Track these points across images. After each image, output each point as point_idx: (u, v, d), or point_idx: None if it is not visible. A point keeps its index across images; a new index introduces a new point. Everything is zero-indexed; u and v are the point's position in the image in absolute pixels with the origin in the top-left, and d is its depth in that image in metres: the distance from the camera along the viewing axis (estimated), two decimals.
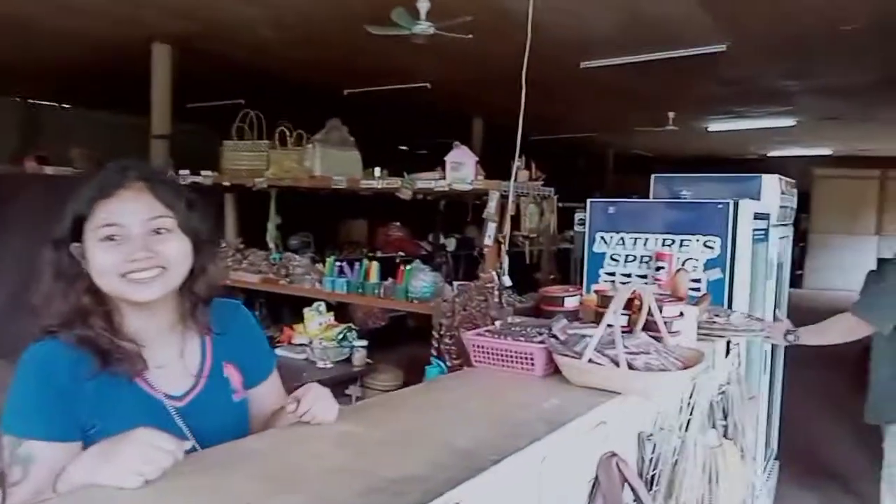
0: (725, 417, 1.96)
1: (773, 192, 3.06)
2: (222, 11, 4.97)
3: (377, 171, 3.77)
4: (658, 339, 1.56)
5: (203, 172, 4.46)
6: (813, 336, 2.58)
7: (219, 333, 1.23)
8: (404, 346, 4.23)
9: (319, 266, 4.04)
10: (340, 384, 3.50)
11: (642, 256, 2.61)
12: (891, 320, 2.49)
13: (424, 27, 4.23)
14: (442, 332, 3.03)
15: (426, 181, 3.37)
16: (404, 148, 12.75)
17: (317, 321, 3.72)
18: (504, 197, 3.01)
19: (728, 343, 2.09)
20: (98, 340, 1.09)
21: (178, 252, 1.13)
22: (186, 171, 4.51)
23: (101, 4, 4.90)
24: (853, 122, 9.51)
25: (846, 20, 4.77)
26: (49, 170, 5.34)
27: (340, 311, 3.96)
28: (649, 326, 1.59)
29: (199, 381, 1.19)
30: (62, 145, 7.40)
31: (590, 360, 1.42)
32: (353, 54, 6.02)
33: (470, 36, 4.45)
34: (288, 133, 4.16)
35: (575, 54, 5.86)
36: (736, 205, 2.48)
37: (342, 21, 5.00)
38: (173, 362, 1.17)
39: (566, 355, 1.46)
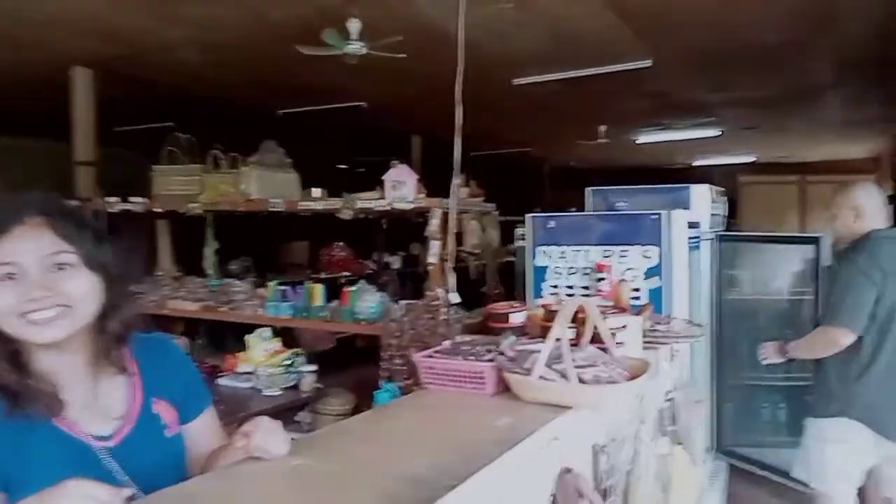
0: (674, 423, 2.00)
1: (703, 200, 3.18)
2: (144, 33, 4.83)
3: (316, 191, 3.71)
4: (605, 350, 1.57)
5: (132, 199, 4.29)
6: (802, 351, 2.63)
7: (144, 370, 1.19)
8: (354, 367, 4.15)
9: (261, 291, 3.93)
10: (289, 411, 3.40)
11: (584, 268, 2.66)
12: (861, 318, 2.42)
13: (357, 47, 4.22)
14: (391, 353, 2.99)
15: (366, 201, 3.33)
16: (344, 166, 12.66)
17: (261, 348, 3.61)
18: (446, 214, 3.01)
19: (671, 349, 2.13)
20: (5, 381, 1.03)
21: (82, 289, 1.07)
22: (116, 199, 4.33)
23: (12, 29, 4.68)
24: (770, 132, 10.03)
25: (758, 36, 5.03)
26: None
27: (286, 335, 3.86)
28: (595, 339, 1.61)
29: (128, 419, 1.14)
30: None
31: (540, 377, 1.42)
32: (285, 74, 5.95)
33: (403, 55, 4.46)
34: (222, 156, 4.06)
35: (507, 71, 5.96)
36: (669, 215, 2.56)
37: (272, 41, 4.94)
38: (95, 402, 1.12)
39: (516, 372, 1.45)
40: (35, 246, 1.04)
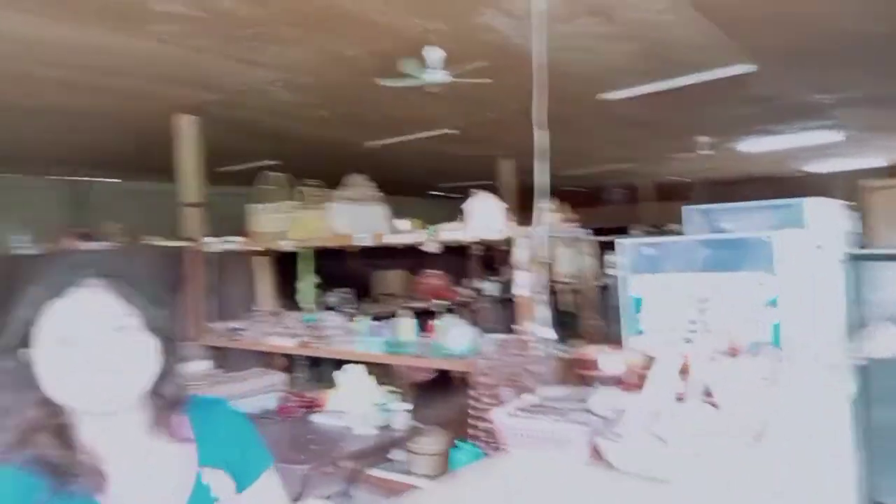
0: None
1: (825, 214, 2.79)
2: (236, 77, 5.00)
3: (401, 223, 3.65)
4: (715, 406, 1.33)
5: (230, 238, 4.41)
6: None
7: (199, 437, 1.11)
8: (453, 397, 3.98)
9: (352, 324, 3.90)
10: (382, 449, 3.29)
11: (686, 299, 2.38)
12: None
13: (438, 76, 4.14)
14: (480, 392, 2.82)
15: (451, 232, 3.21)
16: (435, 193, 12.74)
17: (353, 385, 3.55)
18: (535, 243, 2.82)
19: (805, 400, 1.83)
20: (49, 458, 0.97)
21: (141, 355, 1.02)
22: (216, 239, 4.48)
23: (124, 83, 5.00)
24: None
25: (860, 28, 4.50)
26: (83, 246, 5.39)
27: (381, 367, 3.79)
28: (704, 390, 1.37)
29: (182, 489, 1.06)
30: (111, 218, 7.55)
31: (635, 443, 1.21)
32: (369, 107, 6.01)
33: (489, 81, 4.34)
34: (313, 191, 4.10)
35: (595, 87, 5.70)
36: (783, 236, 2.24)
37: (352, 76, 4.98)
38: (144, 476, 1.04)
39: (607, 438, 1.25)
40: (93, 309, 1.00)
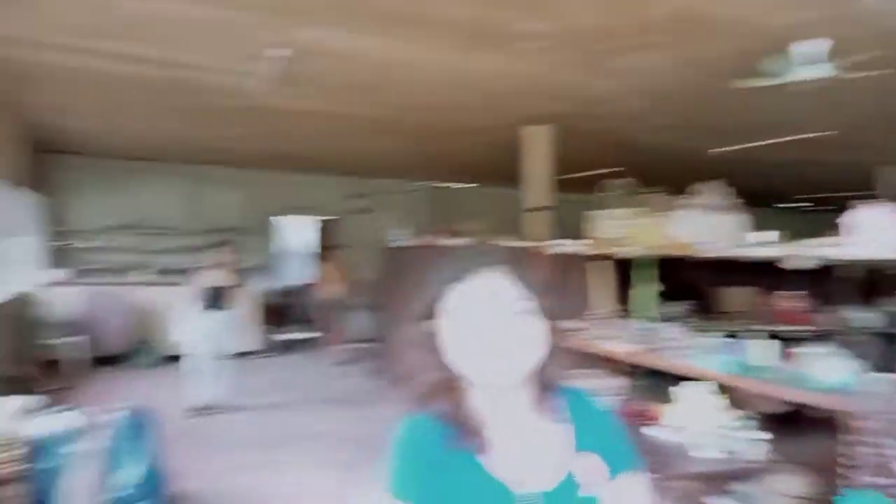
0: None
1: None
2: (585, 88, 5.09)
3: (755, 236, 3.29)
4: None
5: (567, 241, 4.49)
6: None
7: (576, 422, 1.17)
8: (811, 439, 3.46)
9: (696, 340, 3.66)
10: (723, 478, 3.03)
11: None
12: None
13: (817, 71, 3.63)
14: (859, 440, 2.38)
15: (829, 248, 2.78)
16: (786, 205, 11.29)
17: (695, 403, 3.33)
18: None
19: None
20: (447, 414, 1.11)
21: (532, 337, 1.09)
22: (555, 242, 4.63)
23: (473, 98, 5.43)
24: None
25: None
26: (446, 241, 6.09)
27: (726, 388, 3.49)
28: None
29: (556, 472, 1.12)
30: (463, 219, 8.49)
31: None
32: (719, 112, 5.58)
33: (890, 71, 3.65)
34: (654, 198, 3.97)
35: None
36: None
37: (707, 79, 4.67)
38: (523, 449, 1.12)
39: None
40: (492, 291, 1.09)
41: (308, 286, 11.89)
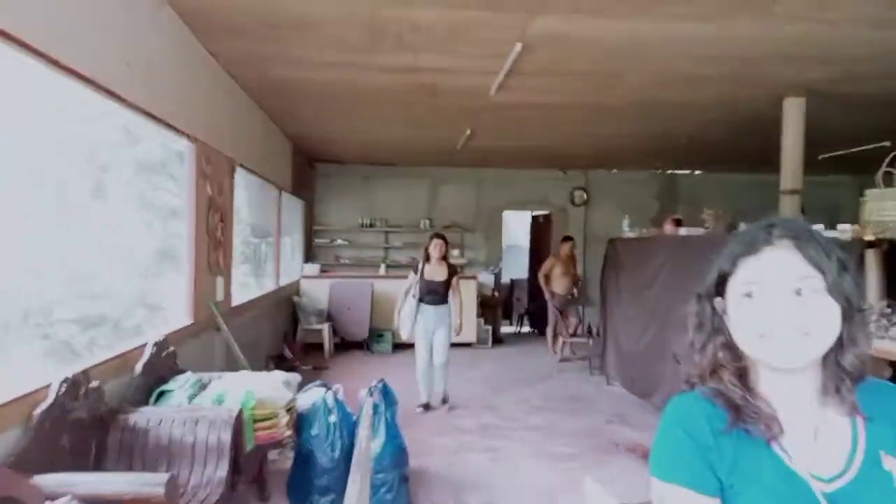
0: None
1: None
2: (857, 50, 4.34)
3: None
4: None
5: (840, 226, 3.93)
6: None
7: (873, 418, 1.06)
8: None
9: None
10: None
11: None
12: None
13: None
14: None
15: None
16: None
17: None
18: None
19: None
20: (729, 395, 1.06)
21: (824, 317, 1.01)
22: (820, 226, 4.08)
23: (727, 73, 4.96)
24: None
25: None
26: (682, 231, 5.69)
27: None
28: None
29: (851, 467, 1.03)
30: (694, 208, 7.91)
31: None
32: None
33: None
34: None
35: None
36: None
37: None
38: (811, 439, 1.05)
39: None
40: (782, 268, 1.03)
41: (531, 280, 12.08)
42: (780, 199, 5.34)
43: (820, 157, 7.12)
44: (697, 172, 11.13)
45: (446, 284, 5.67)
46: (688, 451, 1.06)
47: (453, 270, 5.73)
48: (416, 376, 5.66)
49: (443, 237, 5.78)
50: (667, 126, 7.08)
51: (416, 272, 5.67)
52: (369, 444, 3.14)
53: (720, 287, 1.10)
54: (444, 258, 5.71)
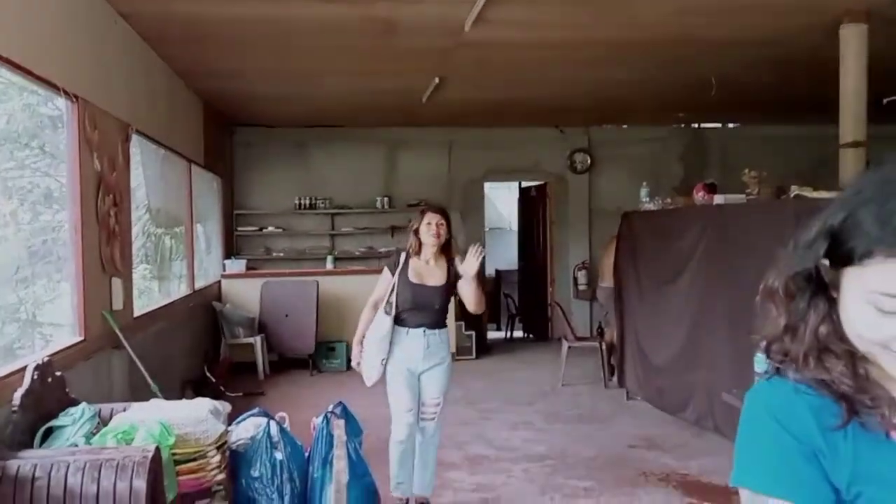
0: None
1: None
2: None
3: None
4: None
5: None
6: None
7: None
8: None
9: None
10: None
11: None
12: None
13: None
14: None
15: None
16: None
17: None
18: None
19: None
20: (836, 384, 1.06)
21: None
22: None
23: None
24: None
25: None
26: (719, 199, 5.76)
27: None
28: None
29: None
30: (729, 171, 8.01)
31: None
32: None
33: None
34: None
35: None
36: None
37: None
38: None
39: None
40: None
41: (523, 270, 12.16)
42: (840, 154, 5.44)
43: (885, 100, 7.25)
44: (732, 125, 11.27)
45: (447, 292, 4.42)
46: (792, 455, 1.06)
47: (455, 271, 4.38)
48: (390, 450, 4.30)
49: (442, 210, 4.51)
50: (693, 68, 7.13)
51: (392, 270, 4.39)
52: (345, 477, 3.14)
53: (833, 247, 1.07)
54: (445, 248, 4.45)
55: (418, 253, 4.38)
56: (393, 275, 4.34)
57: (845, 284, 1.06)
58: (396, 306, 4.25)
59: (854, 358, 1.07)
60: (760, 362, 3.62)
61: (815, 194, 5.00)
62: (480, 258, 4.21)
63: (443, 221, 4.37)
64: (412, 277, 4.31)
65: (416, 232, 4.38)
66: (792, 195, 5.03)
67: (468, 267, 4.20)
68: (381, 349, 4.21)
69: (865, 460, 1.05)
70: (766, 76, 7.48)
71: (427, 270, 4.37)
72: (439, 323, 4.36)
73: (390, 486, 4.25)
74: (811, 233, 1.08)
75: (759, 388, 1.14)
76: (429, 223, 4.33)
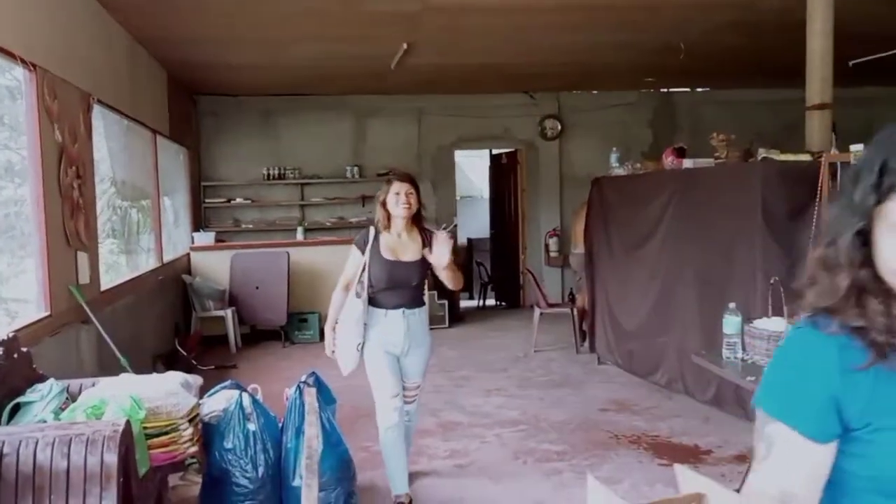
0: None
1: None
2: None
3: None
4: None
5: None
6: None
7: None
8: None
9: None
10: None
11: None
12: None
13: None
14: None
15: None
16: None
17: None
18: None
19: None
20: (870, 325, 1.13)
21: None
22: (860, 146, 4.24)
23: None
24: None
25: None
26: (688, 163, 5.80)
27: None
28: None
29: None
30: (698, 135, 8.06)
31: None
32: None
33: None
34: None
35: None
36: None
37: None
38: None
39: None
40: None
41: (495, 239, 12.17)
42: (807, 116, 5.48)
43: (851, 62, 7.31)
44: (700, 90, 11.32)
45: (423, 266, 4.07)
46: (810, 389, 1.16)
47: (430, 241, 4.03)
48: (381, 440, 4.02)
49: (409, 178, 4.13)
50: (661, 33, 7.14)
51: (362, 248, 4.04)
52: (319, 443, 3.14)
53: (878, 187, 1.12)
54: (416, 218, 4.10)
55: (388, 227, 4.02)
56: (363, 253, 4.00)
57: (878, 224, 1.13)
58: (370, 286, 3.94)
59: (890, 297, 1.14)
60: (730, 324, 3.66)
61: (783, 157, 5.06)
62: (450, 245, 3.88)
63: (412, 190, 4.01)
64: (385, 254, 3.97)
65: (384, 204, 4.00)
66: (759, 158, 5.08)
67: (439, 257, 3.86)
68: (355, 334, 3.89)
69: (882, 395, 1.13)
70: (734, 40, 7.49)
71: (400, 245, 4.02)
72: (418, 301, 4.10)
73: (394, 485, 4.03)
74: (862, 188, 1.13)
75: (796, 329, 1.24)
76: (397, 193, 3.96)
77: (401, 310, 3.96)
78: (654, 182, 6.37)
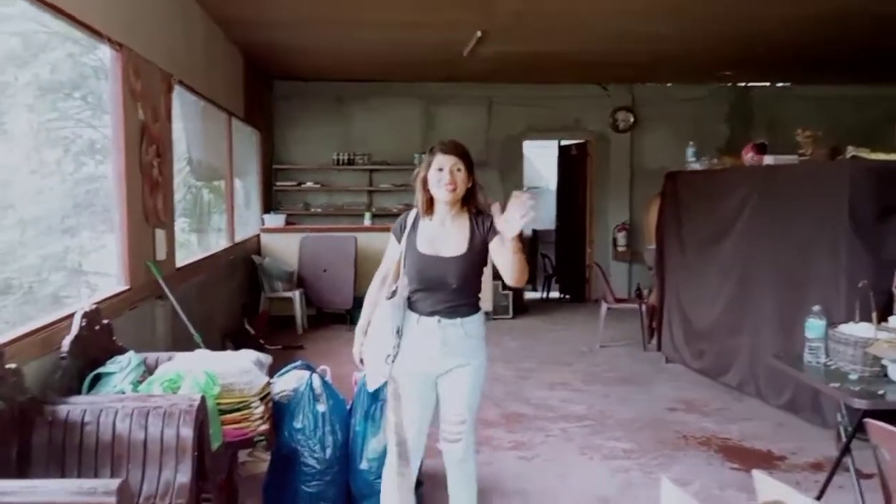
0: None
1: None
2: None
3: None
4: None
5: None
6: None
7: None
8: None
9: None
10: None
11: None
12: None
13: None
14: None
15: None
16: None
17: None
18: None
19: None
20: None
21: None
22: None
23: None
24: None
25: None
26: (769, 159, 5.62)
27: None
28: None
29: None
30: (776, 132, 7.82)
31: None
32: None
33: None
34: None
35: None
36: None
37: None
38: None
39: None
40: None
41: (560, 231, 12.06)
42: None
43: None
44: (781, 85, 10.99)
45: (470, 264, 3.12)
46: None
47: (484, 229, 3.10)
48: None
49: (457, 148, 3.10)
50: (741, 23, 6.95)
51: (398, 236, 3.25)
52: (400, 415, 3.10)
53: None
54: (469, 201, 3.16)
55: (429, 212, 3.13)
56: (399, 242, 3.21)
57: None
58: (404, 282, 3.16)
59: None
60: (813, 328, 3.53)
61: (873, 156, 4.85)
62: (529, 213, 2.64)
63: (460, 165, 3.05)
64: (421, 246, 3.11)
65: (424, 182, 3.09)
66: (848, 156, 4.89)
67: (510, 222, 2.70)
68: (386, 342, 3.11)
69: None
70: (820, 31, 7.24)
71: (442, 235, 3.11)
72: (460, 309, 3.09)
73: None
74: None
75: None
76: (440, 168, 3.03)
77: (435, 318, 3.07)
78: (733, 178, 6.19)
